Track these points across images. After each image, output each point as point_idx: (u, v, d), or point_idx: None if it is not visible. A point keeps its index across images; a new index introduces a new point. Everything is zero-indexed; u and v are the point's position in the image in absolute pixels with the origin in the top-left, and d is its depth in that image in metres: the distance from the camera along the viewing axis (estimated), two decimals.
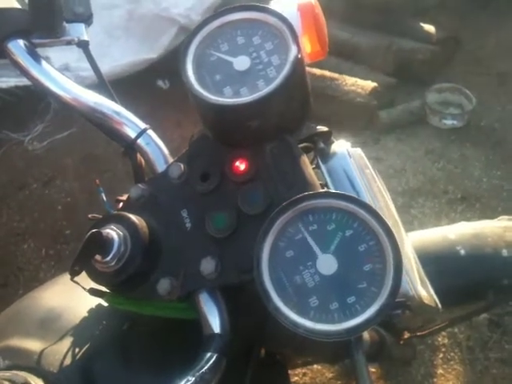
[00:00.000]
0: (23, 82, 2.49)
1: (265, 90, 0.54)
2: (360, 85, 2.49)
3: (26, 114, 2.65)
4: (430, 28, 2.86)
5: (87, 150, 2.51)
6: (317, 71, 2.49)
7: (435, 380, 1.64)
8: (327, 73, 2.54)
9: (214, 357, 0.50)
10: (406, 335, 1.04)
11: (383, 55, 2.70)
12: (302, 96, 0.60)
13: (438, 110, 2.50)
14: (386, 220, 0.48)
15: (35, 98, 2.53)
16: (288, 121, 0.59)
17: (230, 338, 0.53)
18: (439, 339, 1.71)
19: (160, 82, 2.80)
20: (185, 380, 0.46)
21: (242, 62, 0.57)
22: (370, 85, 2.48)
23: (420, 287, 0.63)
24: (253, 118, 0.56)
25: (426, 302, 0.64)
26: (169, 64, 2.63)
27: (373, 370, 1.57)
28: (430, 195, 2.20)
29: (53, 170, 2.49)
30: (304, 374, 1.67)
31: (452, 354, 1.69)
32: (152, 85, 2.77)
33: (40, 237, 2.24)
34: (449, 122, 2.49)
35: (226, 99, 0.55)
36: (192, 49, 0.58)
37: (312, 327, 0.46)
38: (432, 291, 0.68)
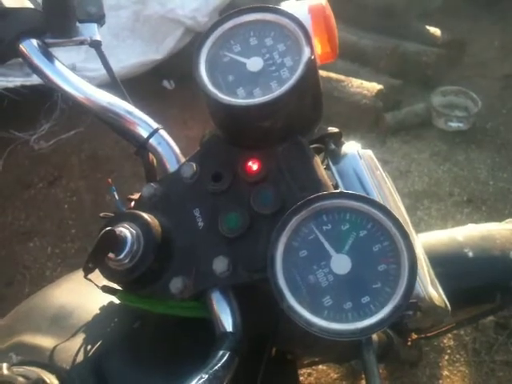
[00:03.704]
0: (29, 81, 2.50)
1: (278, 91, 0.54)
2: (366, 87, 2.49)
3: (32, 113, 2.66)
4: (435, 31, 2.87)
5: (93, 150, 2.52)
6: (323, 73, 2.50)
7: (441, 382, 1.63)
8: (333, 75, 2.54)
9: (227, 355, 0.50)
10: (414, 337, 1.04)
11: (389, 58, 2.71)
12: (314, 97, 0.60)
13: (443, 113, 2.50)
14: (401, 221, 0.48)
15: (41, 98, 2.54)
16: (300, 122, 0.60)
17: (242, 336, 0.53)
18: (445, 341, 1.71)
19: (165, 83, 2.81)
20: (198, 377, 0.46)
21: (254, 63, 0.57)
22: (375, 87, 2.49)
23: (431, 288, 0.64)
24: (265, 118, 0.56)
25: (436, 303, 0.64)
26: (174, 65, 2.64)
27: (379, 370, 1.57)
28: (435, 197, 2.20)
29: (59, 169, 2.50)
30: (309, 374, 1.67)
31: (458, 356, 1.68)
32: (157, 85, 2.78)
33: (46, 235, 2.25)
34: (454, 125, 2.49)
35: (239, 100, 0.55)
36: (205, 50, 0.59)
37: (326, 326, 0.46)
38: (442, 292, 0.69)
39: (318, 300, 0.47)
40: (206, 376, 0.46)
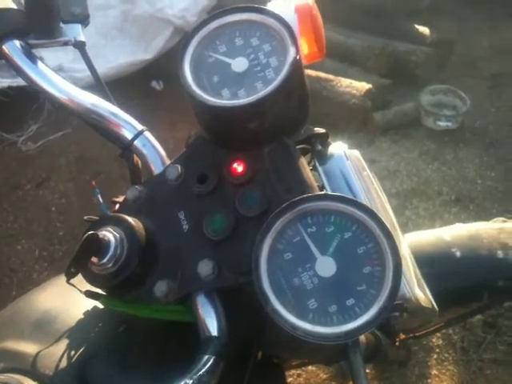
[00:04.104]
0: (17, 82, 2.48)
1: (263, 91, 0.54)
2: (355, 86, 2.50)
3: (19, 114, 2.64)
4: (424, 30, 2.88)
5: (81, 151, 2.51)
6: (312, 73, 2.50)
7: (429, 381, 1.64)
8: (322, 74, 2.54)
9: (212, 359, 0.50)
10: (402, 337, 1.04)
11: (378, 57, 2.71)
12: (300, 97, 0.60)
13: (432, 112, 2.51)
14: (385, 222, 0.48)
15: (29, 99, 2.52)
16: (286, 123, 0.59)
17: (227, 340, 0.53)
18: (433, 340, 1.72)
19: (154, 83, 2.80)
20: (182, 383, 0.46)
21: (239, 64, 0.57)
22: (364, 86, 2.49)
23: (417, 289, 0.64)
24: (251, 119, 0.56)
25: (423, 304, 0.64)
26: (163, 65, 2.63)
27: (367, 371, 1.57)
28: (423, 197, 2.21)
29: (46, 171, 2.48)
30: (298, 375, 1.67)
31: (446, 354, 1.69)
32: (146, 86, 2.77)
33: (33, 238, 2.23)
34: (443, 124, 2.50)
35: (224, 101, 0.55)
36: (190, 50, 0.58)
37: (311, 330, 0.46)
38: (429, 293, 0.69)
39: (303, 303, 0.47)
40: (191, 381, 0.46)
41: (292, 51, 0.55)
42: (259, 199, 0.55)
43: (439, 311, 0.70)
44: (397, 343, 1.01)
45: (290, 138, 0.59)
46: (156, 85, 2.79)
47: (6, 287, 2.07)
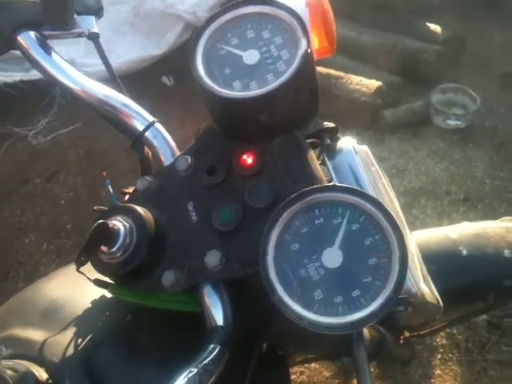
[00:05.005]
0: (28, 76, 2.50)
1: (274, 83, 0.54)
2: (365, 84, 2.49)
3: (30, 108, 2.66)
4: (435, 28, 2.86)
5: (91, 146, 2.52)
6: (322, 70, 2.49)
7: (433, 381, 1.64)
8: (332, 71, 2.54)
9: (217, 348, 0.50)
10: (406, 335, 1.04)
11: (388, 54, 2.70)
12: (310, 91, 0.60)
13: (441, 111, 2.50)
14: (393, 214, 0.48)
15: (40, 93, 2.54)
16: (296, 115, 0.60)
17: (232, 330, 0.53)
18: (437, 340, 1.71)
19: (165, 79, 2.80)
20: (187, 371, 0.46)
21: (251, 56, 0.57)
22: (374, 84, 2.48)
23: (423, 284, 0.64)
24: (261, 111, 0.56)
25: (428, 299, 0.64)
26: (174, 61, 2.64)
27: (371, 369, 1.57)
28: (432, 196, 2.20)
29: (56, 164, 2.49)
30: (301, 373, 1.67)
31: (450, 354, 1.69)
32: (157, 81, 2.78)
33: (41, 231, 2.25)
34: (452, 123, 2.49)
35: (235, 93, 0.55)
36: (202, 42, 0.59)
37: (316, 320, 0.46)
38: (434, 289, 0.69)
39: (309, 294, 0.47)
40: (196, 370, 0.46)
41: (303, 44, 0.55)
42: (268, 191, 0.55)
43: (444, 309, 0.70)
44: (401, 341, 1.01)
45: (299, 130, 0.60)
46: (167, 80, 2.80)
47: (14, 280, 2.09)
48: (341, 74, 2.54)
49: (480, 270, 0.96)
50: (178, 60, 2.60)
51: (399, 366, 1.62)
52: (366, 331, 0.71)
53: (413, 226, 0.75)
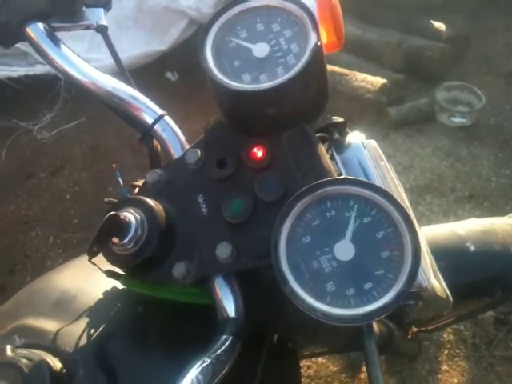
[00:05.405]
0: (33, 70, 2.50)
1: (284, 77, 0.54)
2: (369, 81, 2.49)
3: (35, 103, 2.66)
4: (440, 26, 2.86)
5: (95, 141, 2.53)
6: (327, 67, 2.49)
7: (440, 376, 1.64)
8: (337, 68, 2.54)
9: (230, 339, 0.50)
10: (414, 330, 1.04)
11: (393, 52, 2.70)
12: (319, 84, 0.60)
13: (446, 108, 2.50)
14: (405, 207, 0.48)
15: (45, 88, 2.54)
16: (306, 109, 0.60)
17: (244, 321, 0.53)
18: (444, 336, 1.72)
19: (169, 74, 2.81)
20: (201, 361, 0.46)
21: (261, 49, 0.57)
22: (379, 81, 2.48)
23: (433, 279, 0.64)
24: (271, 105, 0.56)
25: (438, 293, 0.64)
26: (178, 56, 2.63)
27: None
28: (437, 193, 2.20)
29: (61, 159, 2.50)
30: (309, 367, 1.68)
31: (457, 350, 1.69)
32: (160, 77, 2.78)
33: (48, 225, 2.26)
34: (457, 120, 2.49)
35: (245, 85, 0.55)
36: (211, 35, 0.58)
37: (328, 311, 0.46)
38: (444, 284, 0.69)
39: (321, 285, 0.47)
40: (209, 360, 0.46)
41: (313, 37, 0.55)
42: (278, 184, 0.55)
43: (452, 304, 0.70)
44: (409, 336, 1.01)
45: (308, 124, 0.60)
46: (171, 76, 2.80)
47: (21, 274, 2.10)
48: (345, 71, 2.54)
49: (487, 266, 0.96)
50: (181, 56, 2.60)
51: (406, 361, 1.62)
52: (375, 325, 0.71)
53: (419, 223, 0.74)
